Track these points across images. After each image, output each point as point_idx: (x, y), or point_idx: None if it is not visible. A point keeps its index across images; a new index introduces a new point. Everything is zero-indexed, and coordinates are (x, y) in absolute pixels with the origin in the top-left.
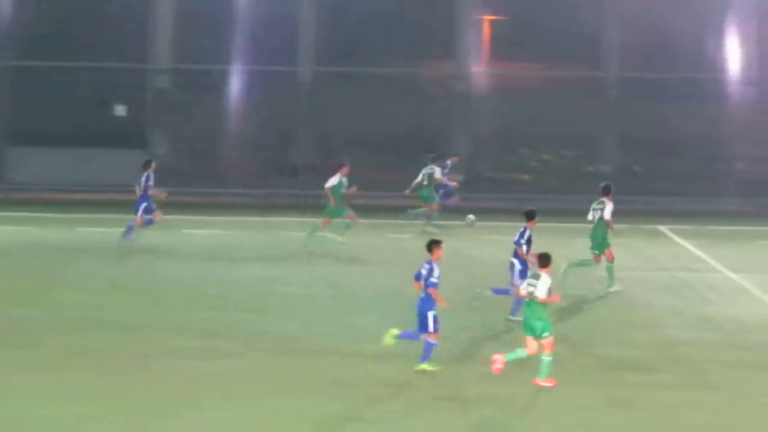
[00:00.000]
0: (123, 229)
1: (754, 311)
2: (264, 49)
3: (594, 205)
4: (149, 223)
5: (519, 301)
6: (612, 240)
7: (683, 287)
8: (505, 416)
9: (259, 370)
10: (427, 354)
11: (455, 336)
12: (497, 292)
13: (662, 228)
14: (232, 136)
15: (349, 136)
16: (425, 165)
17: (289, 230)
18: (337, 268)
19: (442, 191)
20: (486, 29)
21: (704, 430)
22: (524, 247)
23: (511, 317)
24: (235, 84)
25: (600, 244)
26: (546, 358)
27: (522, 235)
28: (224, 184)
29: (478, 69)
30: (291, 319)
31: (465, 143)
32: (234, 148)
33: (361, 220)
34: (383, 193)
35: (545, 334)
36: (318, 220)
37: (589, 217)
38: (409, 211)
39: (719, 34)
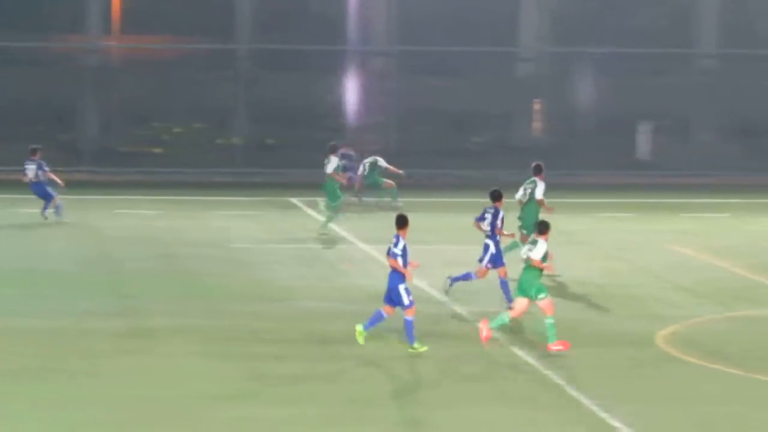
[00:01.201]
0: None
1: (383, 282)
2: None
3: (525, 185)
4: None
5: (505, 284)
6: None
7: (315, 260)
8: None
9: None
10: (410, 334)
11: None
12: (456, 279)
13: (294, 200)
14: None
15: None
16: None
17: None
18: None
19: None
20: (116, 1)
21: (325, 397)
22: (501, 227)
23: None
24: None
25: (531, 225)
26: (548, 320)
27: (495, 216)
28: None
29: (108, 42)
30: None
31: (96, 117)
32: None
33: None
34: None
35: (541, 296)
36: None
37: (518, 195)
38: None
39: (347, 6)
